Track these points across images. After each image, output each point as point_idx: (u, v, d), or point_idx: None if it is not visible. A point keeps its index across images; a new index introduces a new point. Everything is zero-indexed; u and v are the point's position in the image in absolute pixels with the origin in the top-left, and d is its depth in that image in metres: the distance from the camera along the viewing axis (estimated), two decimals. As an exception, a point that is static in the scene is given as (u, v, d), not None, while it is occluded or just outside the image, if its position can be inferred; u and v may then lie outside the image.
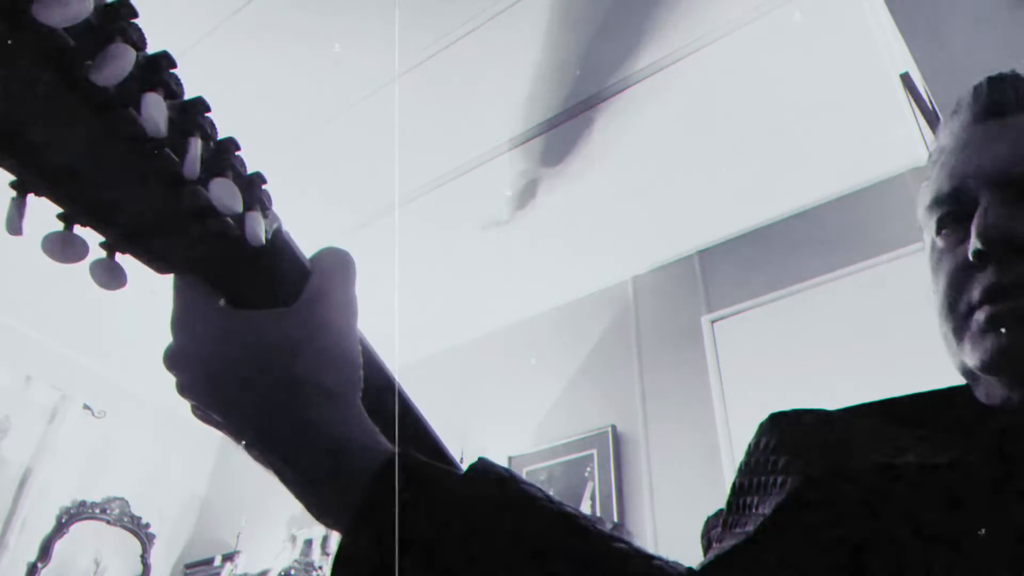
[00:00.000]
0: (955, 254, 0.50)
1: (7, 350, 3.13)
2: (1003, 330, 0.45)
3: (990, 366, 0.46)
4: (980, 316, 0.47)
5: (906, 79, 1.64)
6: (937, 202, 0.52)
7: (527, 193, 2.74)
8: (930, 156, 0.57)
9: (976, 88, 0.54)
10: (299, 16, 2.10)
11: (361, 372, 0.40)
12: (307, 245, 0.41)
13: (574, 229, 2.90)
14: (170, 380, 0.39)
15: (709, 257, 2.94)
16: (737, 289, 2.74)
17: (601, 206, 2.80)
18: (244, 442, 0.39)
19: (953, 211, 0.51)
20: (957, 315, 0.49)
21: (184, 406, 0.40)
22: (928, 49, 1.45)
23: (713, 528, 0.52)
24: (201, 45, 2.15)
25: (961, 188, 0.50)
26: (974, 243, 0.47)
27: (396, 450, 0.39)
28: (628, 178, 2.68)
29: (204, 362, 0.38)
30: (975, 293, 0.47)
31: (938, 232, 0.52)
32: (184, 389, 0.39)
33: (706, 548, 0.52)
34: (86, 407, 3.36)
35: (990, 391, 0.49)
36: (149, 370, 3.37)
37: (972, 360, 0.48)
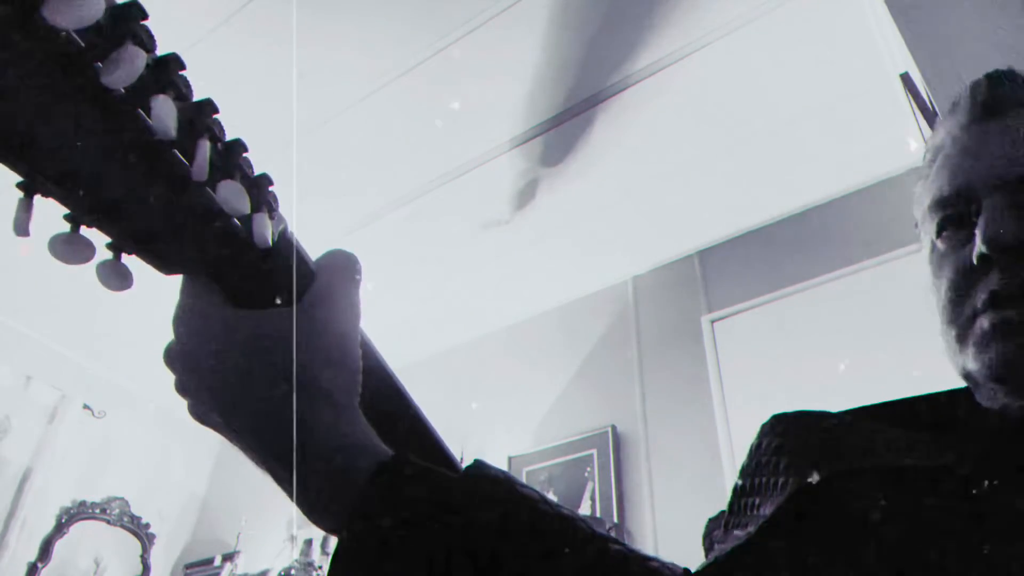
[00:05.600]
0: (957, 257, 0.49)
1: (7, 350, 3.13)
2: (1009, 338, 0.45)
3: (994, 375, 0.46)
4: (984, 323, 0.46)
5: (906, 79, 1.64)
6: (938, 204, 0.51)
7: (527, 193, 2.75)
8: (925, 155, 0.57)
9: (973, 86, 0.53)
10: (299, 16, 2.10)
11: (360, 375, 0.40)
12: (307, 245, 0.41)
13: (574, 229, 2.91)
14: (170, 379, 0.39)
15: (709, 257, 2.94)
16: (737, 289, 2.74)
17: (601, 206, 2.80)
18: (240, 443, 0.39)
19: (955, 213, 0.50)
20: (960, 320, 0.49)
21: (184, 406, 0.40)
22: (928, 49, 1.45)
23: (715, 530, 0.52)
24: (201, 45, 2.15)
25: (963, 190, 0.50)
26: (979, 247, 0.46)
27: (402, 450, 0.39)
28: (628, 178, 2.68)
29: (204, 360, 0.37)
30: (979, 298, 0.47)
31: (939, 234, 0.52)
32: (183, 387, 0.39)
33: (708, 550, 0.52)
34: (86, 407, 3.36)
35: (992, 397, 0.49)
36: (149, 370, 3.37)
37: (975, 367, 0.47)
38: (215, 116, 0.31)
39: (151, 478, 3.53)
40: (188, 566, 3.42)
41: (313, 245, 0.41)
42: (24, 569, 2.98)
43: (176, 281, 0.39)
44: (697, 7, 2.11)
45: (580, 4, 2.11)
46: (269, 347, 0.37)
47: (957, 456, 0.42)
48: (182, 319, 0.38)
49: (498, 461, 2.87)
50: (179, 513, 3.62)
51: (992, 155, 0.49)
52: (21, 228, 0.30)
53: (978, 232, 0.47)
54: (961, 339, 0.49)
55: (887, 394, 0.55)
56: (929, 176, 0.54)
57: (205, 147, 0.30)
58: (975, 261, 0.47)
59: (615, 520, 2.51)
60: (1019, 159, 0.48)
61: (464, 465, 0.42)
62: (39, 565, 3.01)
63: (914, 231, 0.59)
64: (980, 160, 0.50)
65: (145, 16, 0.27)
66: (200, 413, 0.39)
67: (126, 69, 0.25)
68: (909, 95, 1.67)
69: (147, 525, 3.36)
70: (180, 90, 0.29)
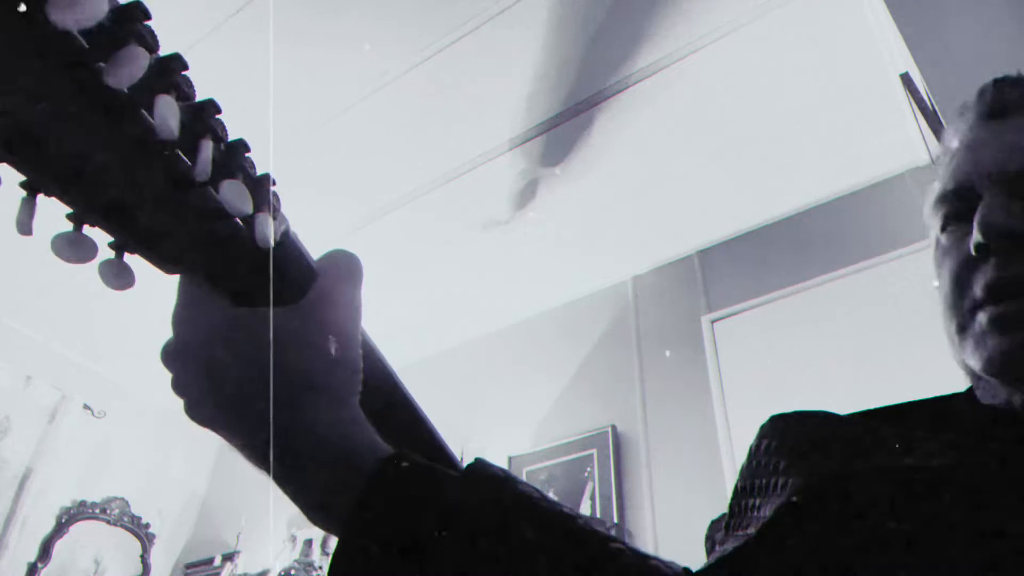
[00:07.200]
0: (958, 250, 0.51)
1: (7, 350, 3.13)
2: (1006, 332, 0.46)
3: (992, 368, 0.47)
4: (983, 317, 0.47)
5: (906, 79, 1.65)
6: (941, 199, 0.53)
7: (527, 193, 2.75)
8: (938, 159, 0.59)
9: (981, 90, 0.55)
10: (299, 16, 2.10)
11: (360, 375, 0.40)
12: (308, 245, 0.41)
13: (574, 229, 2.91)
14: (169, 379, 0.39)
15: (709, 257, 2.94)
16: (737, 289, 2.74)
17: (601, 206, 2.80)
18: (237, 442, 0.39)
19: (956, 208, 0.52)
20: (960, 312, 0.50)
21: (182, 405, 0.40)
22: (928, 49, 1.45)
23: (717, 531, 0.52)
24: (201, 45, 2.15)
25: (964, 185, 0.51)
26: (975, 236, 0.47)
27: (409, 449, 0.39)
28: (628, 178, 2.68)
29: (202, 358, 0.37)
30: (977, 289, 0.48)
31: (942, 229, 0.53)
32: (179, 386, 0.39)
33: (709, 551, 0.53)
34: (86, 407, 3.36)
35: (993, 391, 0.49)
36: (149, 370, 3.37)
37: (974, 361, 0.48)
38: (217, 116, 0.32)
39: (151, 478, 3.53)
40: (188, 566, 3.42)
41: (314, 245, 0.41)
42: (24, 569, 2.98)
43: (176, 280, 0.39)
44: (697, 7, 2.11)
45: (580, 4, 2.11)
46: (266, 345, 0.37)
47: (957, 456, 0.42)
48: (180, 317, 0.38)
49: (498, 461, 2.85)
50: (179, 513, 3.62)
51: (992, 151, 0.51)
52: (24, 227, 0.30)
53: (975, 222, 0.48)
54: (961, 332, 0.50)
55: (887, 393, 0.56)
56: (939, 178, 0.56)
57: (207, 147, 0.30)
58: (973, 251, 0.48)
59: (615, 520, 2.51)
60: (1018, 153, 0.49)
61: (464, 465, 0.42)
62: (39, 565, 3.01)
63: (913, 231, 0.60)
64: (981, 156, 0.51)
65: (148, 16, 0.27)
66: (196, 412, 0.39)
67: (129, 69, 0.26)
68: (909, 95, 1.67)
69: (147, 525, 3.36)
70: (183, 90, 0.29)
